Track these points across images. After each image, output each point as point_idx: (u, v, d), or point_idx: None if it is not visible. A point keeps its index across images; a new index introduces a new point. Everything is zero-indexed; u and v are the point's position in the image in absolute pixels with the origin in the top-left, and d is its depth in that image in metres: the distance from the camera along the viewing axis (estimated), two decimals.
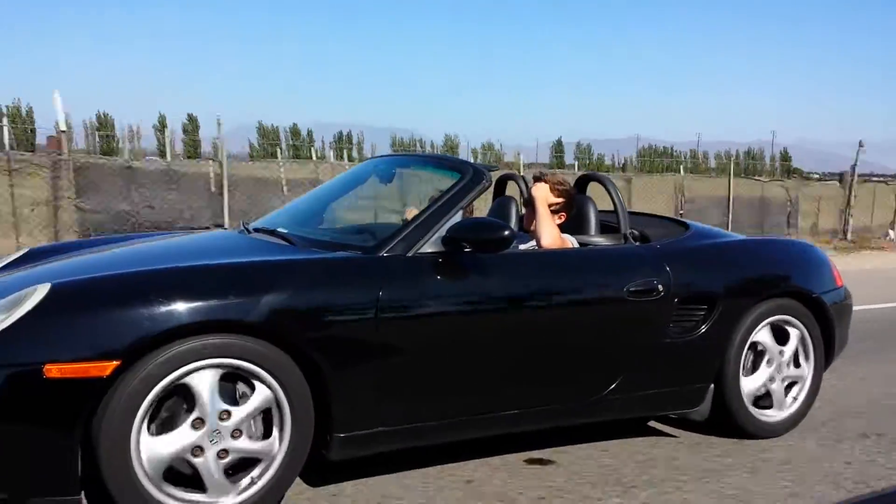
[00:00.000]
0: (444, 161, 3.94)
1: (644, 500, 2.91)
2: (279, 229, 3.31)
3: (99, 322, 2.37)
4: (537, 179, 3.64)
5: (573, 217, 3.65)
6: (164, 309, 2.40)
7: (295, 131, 50.63)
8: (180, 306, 2.42)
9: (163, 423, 2.49)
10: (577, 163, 38.95)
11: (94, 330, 2.36)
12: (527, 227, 3.63)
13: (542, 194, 3.54)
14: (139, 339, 2.36)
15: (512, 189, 4.18)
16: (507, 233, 2.93)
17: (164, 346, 2.41)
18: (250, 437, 2.59)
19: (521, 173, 4.25)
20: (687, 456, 3.42)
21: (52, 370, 2.29)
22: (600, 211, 3.78)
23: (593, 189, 4.03)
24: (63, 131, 10.10)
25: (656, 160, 51.98)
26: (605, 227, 3.74)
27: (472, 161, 3.41)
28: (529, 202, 3.61)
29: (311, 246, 3.07)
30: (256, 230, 3.46)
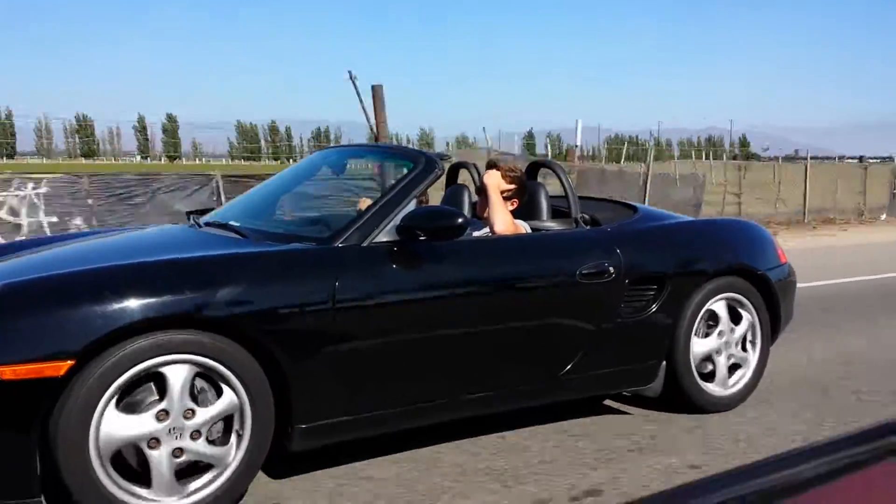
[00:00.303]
0: (397, 151, 3.96)
1: (604, 478, 2.98)
2: (231, 222, 3.30)
3: (52, 321, 2.35)
4: (489, 167, 3.68)
5: (525, 203, 3.70)
6: (117, 306, 2.39)
7: (273, 129, 50.52)
8: (133, 303, 2.41)
9: (130, 405, 2.46)
10: (548, 152, 39.28)
11: (46, 329, 2.34)
12: (480, 214, 3.67)
13: (494, 181, 3.58)
14: (93, 338, 2.34)
15: (464, 177, 4.22)
16: (460, 220, 2.97)
17: (120, 343, 2.39)
18: (208, 441, 2.58)
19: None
20: (642, 432, 3.51)
21: (6, 372, 2.27)
22: (551, 196, 3.84)
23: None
24: None
25: (618, 148, 52.67)
26: (557, 212, 3.80)
27: (425, 150, 3.43)
28: (482, 189, 3.65)
29: (264, 239, 3.07)
30: (207, 224, 3.44)
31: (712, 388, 3.76)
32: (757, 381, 3.92)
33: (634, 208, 3.97)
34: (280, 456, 2.82)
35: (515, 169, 3.71)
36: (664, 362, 3.62)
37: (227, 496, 2.63)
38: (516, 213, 3.62)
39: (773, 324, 3.97)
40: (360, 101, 8.19)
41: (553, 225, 3.67)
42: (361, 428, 2.91)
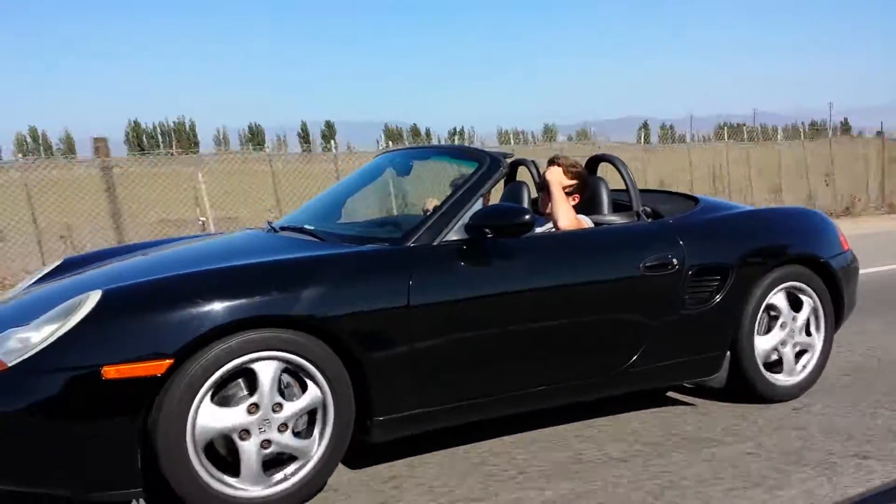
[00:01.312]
0: (461, 151, 4.06)
1: (672, 462, 3.05)
2: (305, 226, 3.43)
3: (151, 324, 2.49)
4: (551, 163, 3.76)
5: (587, 198, 3.77)
6: (210, 308, 2.53)
7: (415, 131, 51.53)
8: (224, 304, 2.55)
9: (223, 398, 2.61)
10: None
11: (146, 331, 2.48)
12: (542, 210, 3.75)
13: (557, 177, 3.65)
14: (189, 339, 2.48)
15: (523, 174, 4.30)
16: (527, 217, 3.06)
17: (213, 342, 2.53)
18: (294, 434, 2.71)
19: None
20: (707, 423, 3.56)
21: (110, 371, 2.42)
22: (612, 190, 3.90)
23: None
24: None
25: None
26: (618, 206, 3.86)
27: (488, 150, 3.52)
28: (544, 186, 3.73)
29: (339, 241, 3.20)
30: (283, 228, 3.58)
31: (779, 377, 3.79)
32: (822, 368, 3.94)
33: (696, 199, 4.01)
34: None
35: (576, 164, 3.78)
36: (728, 353, 3.66)
37: (308, 487, 2.76)
38: (578, 208, 3.69)
39: (836, 311, 3.98)
40: None
41: (615, 219, 3.73)
42: (435, 420, 3.02)
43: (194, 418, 2.53)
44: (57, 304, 2.67)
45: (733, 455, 3.13)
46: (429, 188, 4.03)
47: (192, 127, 60.12)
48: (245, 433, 2.61)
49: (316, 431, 2.76)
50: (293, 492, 2.72)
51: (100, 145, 9.49)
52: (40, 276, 3.54)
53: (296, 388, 2.72)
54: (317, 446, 2.75)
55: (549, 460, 3.13)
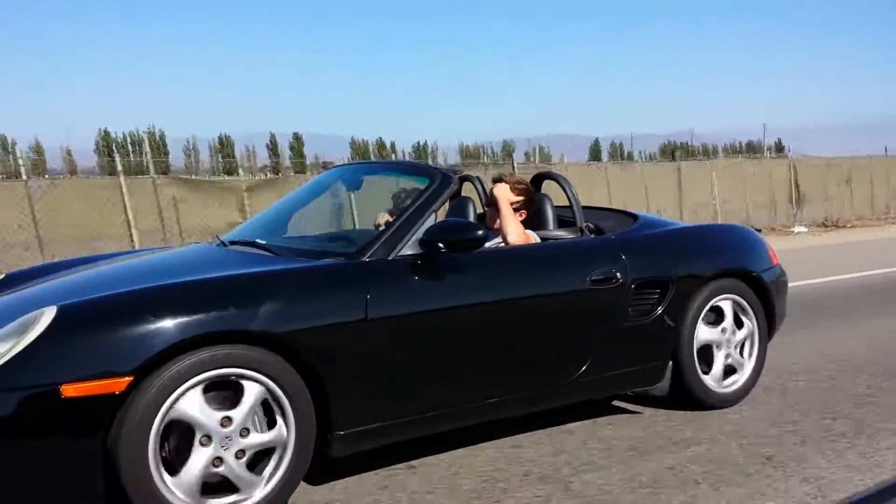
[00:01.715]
0: (412, 167, 4.12)
1: (618, 476, 3.15)
2: (257, 240, 3.43)
3: (110, 340, 2.47)
4: (497, 180, 3.85)
5: (532, 213, 3.88)
6: (170, 323, 2.52)
7: (381, 145, 51.49)
8: (186, 320, 2.54)
9: (177, 458, 2.59)
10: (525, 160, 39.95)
11: (105, 348, 2.46)
12: (490, 226, 3.83)
13: (504, 194, 3.75)
14: (150, 355, 2.47)
15: (467, 190, 4.38)
16: (479, 233, 3.13)
17: (174, 358, 2.52)
18: (259, 431, 2.70)
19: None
20: (649, 430, 3.68)
21: (69, 390, 2.39)
22: (556, 206, 4.01)
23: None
24: None
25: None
26: (562, 222, 3.98)
27: (439, 166, 3.59)
28: (492, 202, 3.82)
29: (294, 255, 3.21)
30: (232, 243, 3.57)
31: (713, 385, 3.94)
32: (754, 382, 4.11)
33: (634, 216, 4.16)
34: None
35: (522, 181, 3.89)
36: (670, 362, 3.80)
37: (296, 473, 2.77)
38: (525, 224, 3.79)
39: (769, 323, 4.18)
40: None
41: (561, 234, 3.84)
42: (394, 433, 3.05)
43: (159, 429, 2.51)
44: (8, 320, 2.62)
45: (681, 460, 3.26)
46: (377, 203, 4.07)
47: (162, 137, 59.17)
48: (217, 461, 2.60)
49: (267, 471, 2.74)
50: (287, 479, 2.74)
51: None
52: None
53: (264, 424, 2.72)
54: (262, 487, 2.72)
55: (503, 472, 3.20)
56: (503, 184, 3.81)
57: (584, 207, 4.17)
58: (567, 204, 3.97)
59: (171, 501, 2.53)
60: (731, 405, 3.98)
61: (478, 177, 4.41)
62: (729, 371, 4.02)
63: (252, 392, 2.69)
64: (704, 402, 3.91)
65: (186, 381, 2.54)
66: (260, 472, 2.72)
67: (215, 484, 2.65)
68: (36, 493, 2.43)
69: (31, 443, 2.40)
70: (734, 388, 4.02)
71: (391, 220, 3.41)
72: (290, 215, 3.99)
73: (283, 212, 4.05)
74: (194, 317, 2.56)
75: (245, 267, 3.02)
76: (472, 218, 4.06)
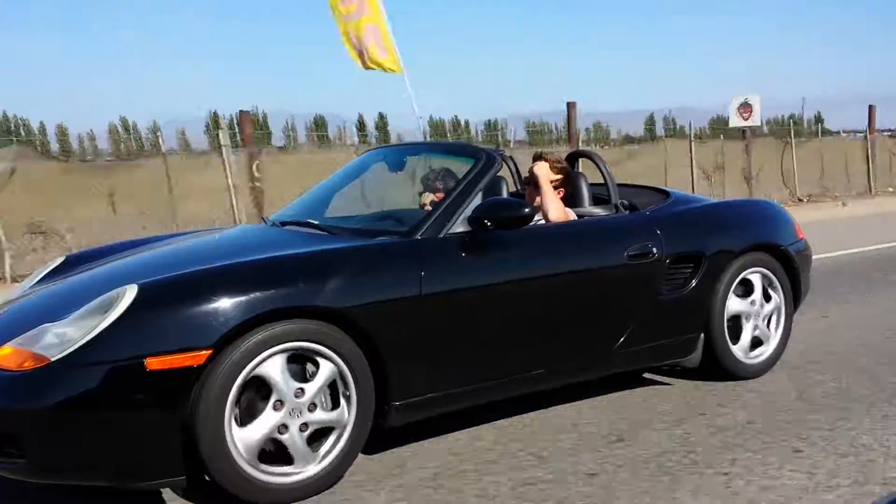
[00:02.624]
0: (458, 148, 4.24)
1: (650, 442, 3.31)
2: (311, 220, 3.57)
3: (189, 316, 2.61)
4: (537, 158, 3.98)
5: (569, 192, 4.01)
6: (245, 299, 2.66)
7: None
8: (258, 296, 2.68)
9: (247, 413, 2.74)
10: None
11: (185, 324, 2.60)
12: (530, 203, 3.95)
13: (544, 172, 3.88)
14: (228, 329, 2.61)
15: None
16: (527, 210, 3.26)
17: (249, 332, 2.67)
18: (323, 409, 2.87)
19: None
20: (681, 400, 3.84)
21: (153, 363, 2.53)
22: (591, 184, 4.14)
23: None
24: None
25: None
26: (597, 199, 4.11)
27: (483, 146, 3.72)
28: (532, 180, 3.94)
29: (349, 234, 3.35)
30: (284, 223, 3.71)
31: (741, 356, 4.09)
32: (781, 353, 4.26)
33: (667, 193, 4.28)
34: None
35: (561, 160, 4.01)
36: (702, 334, 3.94)
37: (350, 454, 2.93)
38: (563, 202, 3.91)
39: (794, 294, 4.32)
40: None
41: (597, 211, 3.97)
42: (447, 403, 3.20)
43: (231, 432, 2.66)
44: (85, 299, 2.77)
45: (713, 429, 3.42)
46: (412, 184, 4.19)
47: (265, 116, 62.02)
48: (283, 428, 2.76)
49: (342, 400, 2.91)
50: (341, 459, 2.89)
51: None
52: (44, 273, 3.58)
53: (310, 370, 2.86)
54: (315, 464, 2.86)
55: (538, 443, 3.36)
56: (543, 162, 3.93)
57: (619, 185, 4.30)
58: (602, 182, 4.10)
59: (233, 456, 2.67)
60: (759, 376, 4.13)
61: (510, 156, 4.53)
62: (756, 343, 4.17)
63: (326, 370, 2.84)
64: (734, 373, 4.05)
65: (262, 352, 2.68)
66: (315, 449, 2.87)
67: (270, 454, 2.80)
68: (120, 462, 2.58)
69: (118, 413, 2.55)
70: (761, 359, 4.17)
71: (436, 200, 3.55)
72: (332, 195, 4.12)
73: (326, 192, 4.18)
74: (266, 293, 2.70)
75: (306, 246, 3.16)
76: (505, 196, 4.17)
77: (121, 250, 3.78)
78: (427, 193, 3.77)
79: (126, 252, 3.68)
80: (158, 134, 12.07)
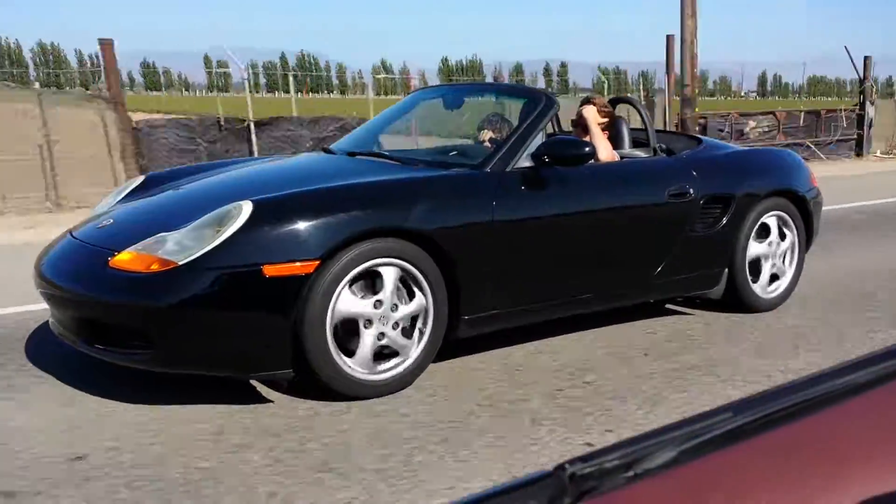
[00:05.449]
0: (521, 90, 4.53)
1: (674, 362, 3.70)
2: (383, 151, 3.86)
3: (301, 230, 2.92)
4: (586, 102, 4.28)
5: (612, 134, 4.32)
6: (348, 217, 2.98)
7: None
8: (360, 214, 3.01)
9: (349, 343, 3.08)
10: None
11: (298, 236, 2.91)
12: None
13: (593, 115, 4.18)
14: (336, 242, 2.93)
15: None
16: (588, 149, 3.58)
17: (349, 247, 2.98)
18: (405, 304, 3.20)
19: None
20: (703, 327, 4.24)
21: (270, 270, 2.85)
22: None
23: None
24: None
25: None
26: (636, 143, 4.43)
27: (542, 89, 4.01)
28: (580, 122, 4.24)
29: (424, 165, 3.65)
30: (356, 153, 4.00)
31: (759, 291, 4.48)
32: (793, 288, 4.66)
33: (699, 139, 4.61)
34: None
35: (607, 105, 4.31)
36: (726, 269, 4.32)
37: (403, 380, 3.25)
38: None
39: (807, 236, 4.70)
40: None
41: (638, 153, 4.30)
42: (508, 320, 3.56)
43: (333, 306, 2.98)
44: (196, 211, 3.07)
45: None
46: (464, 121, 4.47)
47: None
48: (368, 322, 3.10)
49: (416, 334, 3.25)
50: (390, 382, 3.22)
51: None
52: (128, 191, 3.85)
53: (406, 296, 3.20)
54: (415, 348, 3.24)
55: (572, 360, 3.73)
56: (591, 106, 4.22)
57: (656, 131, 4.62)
58: (641, 127, 4.42)
59: (350, 373, 3.04)
60: (775, 308, 4.53)
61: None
62: (772, 278, 4.55)
63: (390, 275, 3.14)
64: (753, 305, 4.45)
65: (357, 266, 3.00)
66: (410, 337, 3.23)
67: (379, 353, 3.16)
68: (239, 359, 2.92)
69: (238, 313, 2.87)
70: (777, 292, 4.56)
71: (493, 136, 3.85)
72: (383, 131, 4.40)
73: (380, 126, 4.45)
74: (366, 212, 3.02)
75: (391, 174, 3.46)
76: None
77: (195, 172, 4.04)
78: (485, 131, 4.06)
79: (210, 172, 3.95)
80: None
